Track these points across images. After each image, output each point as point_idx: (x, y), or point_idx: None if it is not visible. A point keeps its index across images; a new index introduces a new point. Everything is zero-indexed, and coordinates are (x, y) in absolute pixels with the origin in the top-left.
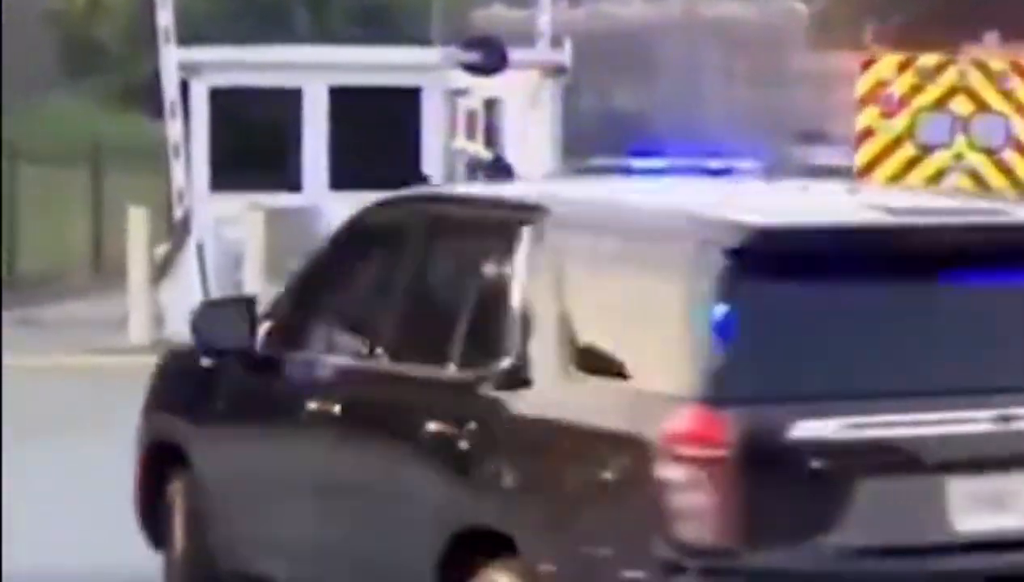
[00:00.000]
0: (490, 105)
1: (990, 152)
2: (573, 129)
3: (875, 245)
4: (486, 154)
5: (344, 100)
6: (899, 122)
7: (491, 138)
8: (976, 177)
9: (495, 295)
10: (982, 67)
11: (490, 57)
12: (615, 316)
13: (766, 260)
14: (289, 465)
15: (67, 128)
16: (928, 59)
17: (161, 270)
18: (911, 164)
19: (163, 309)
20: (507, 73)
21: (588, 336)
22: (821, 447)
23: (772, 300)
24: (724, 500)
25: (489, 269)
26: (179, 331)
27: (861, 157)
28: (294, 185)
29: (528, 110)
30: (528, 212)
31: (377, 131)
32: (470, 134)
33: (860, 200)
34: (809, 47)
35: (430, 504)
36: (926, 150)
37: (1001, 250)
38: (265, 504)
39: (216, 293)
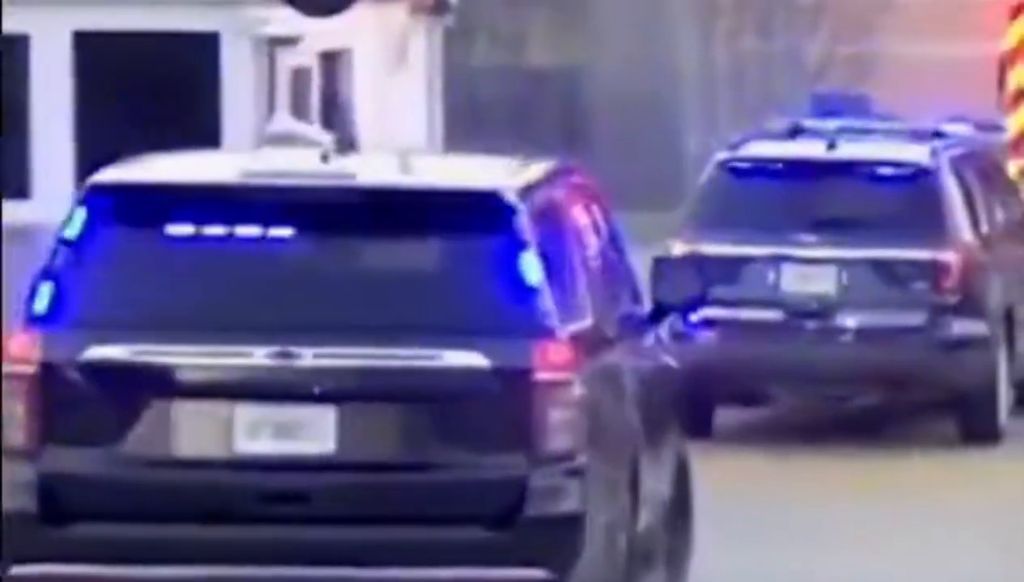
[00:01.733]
0: (331, 60)
1: None
2: (465, 96)
3: (205, 199)
4: (321, 138)
5: (97, 54)
6: None
7: (333, 112)
8: None
9: None
10: None
11: None
12: None
13: (103, 211)
14: None
15: None
16: None
17: None
18: None
19: None
20: (356, 9)
21: None
22: (115, 368)
23: (105, 247)
24: (27, 409)
25: None
26: None
27: (1014, 125)
28: (20, 189)
29: (392, 67)
30: None
31: (150, 103)
32: (299, 107)
33: (246, 161)
34: None
35: None
36: None
37: (325, 208)
38: None
39: None
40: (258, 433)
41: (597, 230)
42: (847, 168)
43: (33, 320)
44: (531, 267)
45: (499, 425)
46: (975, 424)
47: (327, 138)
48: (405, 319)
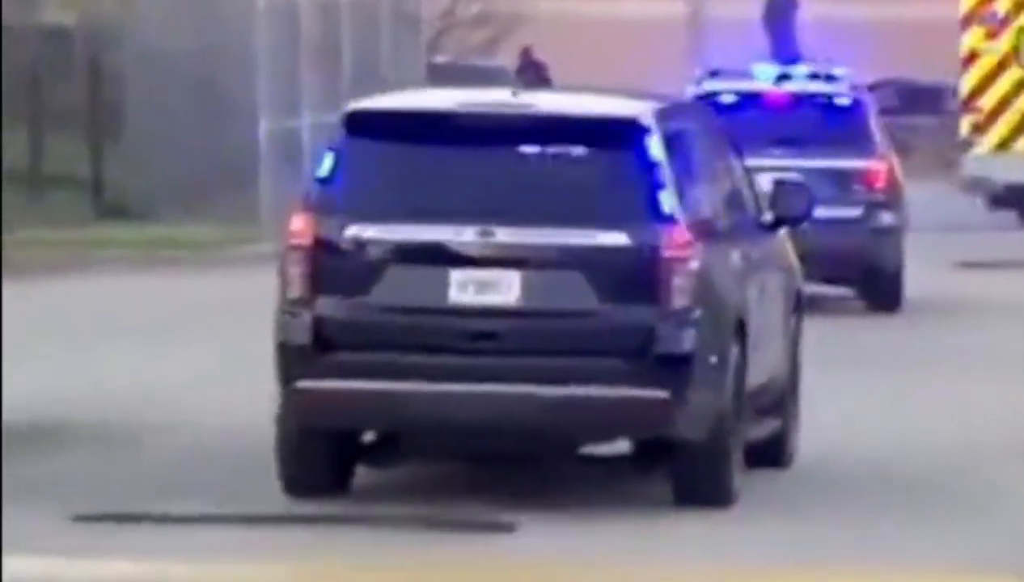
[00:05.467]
0: None
1: None
2: None
3: (429, 122)
4: None
5: None
6: (1003, 43)
7: None
8: None
9: None
10: None
11: None
12: None
13: (358, 128)
14: None
15: None
16: None
17: None
18: (1019, 87)
19: None
20: None
21: None
22: (366, 242)
23: (359, 154)
24: (304, 270)
25: None
26: None
27: (966, 83)
28: None
29: None
30: None
31: None
32: None
33: (460, 96)
34: None
35: None
36: None
37: (514, 128)
38: None
39: None
40: (465, 289)
41: (716, 151)
42: (798, 98)
43: (307, 207)
44: (661, 173)
45: (636, 287)
46: (886, 295)
47: None
48: (573, 209)
